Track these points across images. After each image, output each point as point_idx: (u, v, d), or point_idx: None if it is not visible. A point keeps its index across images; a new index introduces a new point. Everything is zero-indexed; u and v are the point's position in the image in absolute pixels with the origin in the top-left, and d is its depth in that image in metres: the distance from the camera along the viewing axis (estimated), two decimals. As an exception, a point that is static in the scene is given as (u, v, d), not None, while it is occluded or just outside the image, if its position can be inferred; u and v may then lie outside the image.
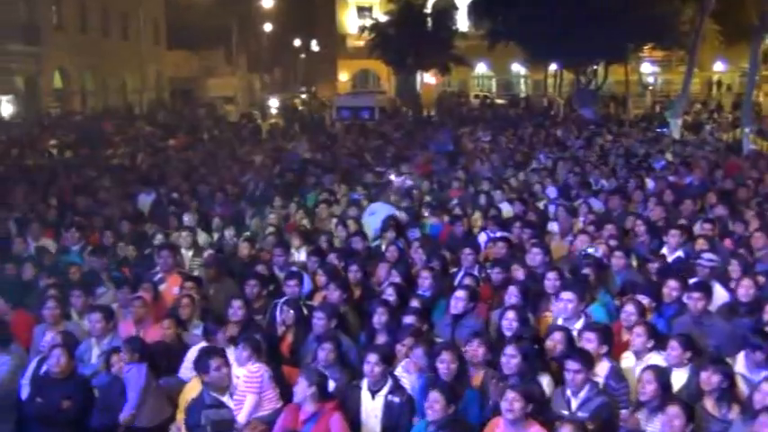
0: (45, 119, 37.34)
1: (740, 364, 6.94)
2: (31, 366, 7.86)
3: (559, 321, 7.91)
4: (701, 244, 9.99)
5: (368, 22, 50.37)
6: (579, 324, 7.74)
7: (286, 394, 7.13)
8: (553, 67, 48.67)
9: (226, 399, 7.00)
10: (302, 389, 6.58)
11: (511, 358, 6.66)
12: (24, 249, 11.68)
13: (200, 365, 7.01)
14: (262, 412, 6.93)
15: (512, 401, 5.95)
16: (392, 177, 17.32)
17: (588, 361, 6.54)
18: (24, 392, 7.69)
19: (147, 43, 52.23)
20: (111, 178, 18.27)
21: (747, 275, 8.53)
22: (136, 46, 50.34)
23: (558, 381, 6.79)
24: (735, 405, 6.18)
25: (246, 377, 7.09)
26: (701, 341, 7.35)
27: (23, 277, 10.29)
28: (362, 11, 61.84)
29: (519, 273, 9.31)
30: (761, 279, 8.83)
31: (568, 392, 6.43)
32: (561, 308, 7.96)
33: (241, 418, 6.88)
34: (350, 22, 63.58)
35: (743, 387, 6.49)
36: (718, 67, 57.45)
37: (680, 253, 10.19)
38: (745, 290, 8.26)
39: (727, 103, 44.38)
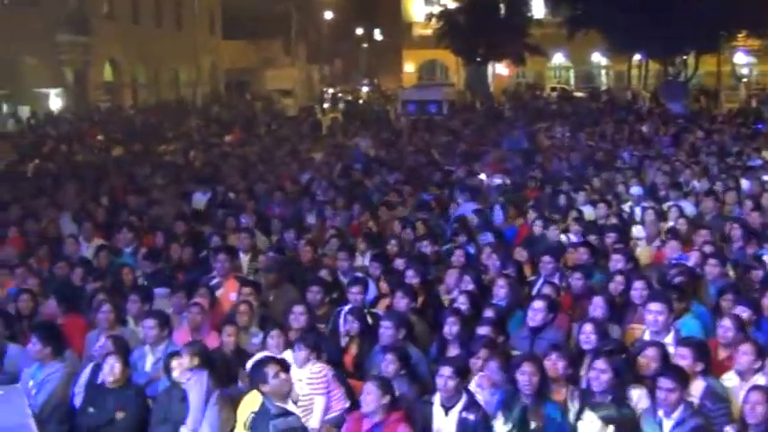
0: (95, 113, 38.13)
1: None
2: (84, 373, 7.99)
3: (646, 336, 7.79)
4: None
5: (435, 9, 50.46)
6: (669, 338, 7.63)
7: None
8: (637, 57, 48.00)
9: (290, 406, 7.04)
10: (373, 398, 6.58)
11: (601, 373, 6.58)
12: (76, 250, 11.93)
13: (257, 376, 7.07)
14: (331, 414, 6.97)
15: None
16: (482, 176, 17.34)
17: (683, 379, 6.42)
18: (77, 401, 7.82)
19: (202, 33, 53.06)
20: (164, 176, 18.53)
21: None
22: (190, 36, 51.15)
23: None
24: None
25: (310, 378, 7.19)
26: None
27: (75, 280, 10.48)
28: (430, -2, 61.91)
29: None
30: None
31: (660, 413, 6.33)
32: (650, 320, 7.84)
33: (314, 422, 6.91)
34: (416, 9, 63.70)
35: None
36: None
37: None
38: None
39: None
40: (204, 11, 53.39)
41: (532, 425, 6.24)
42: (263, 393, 7.00)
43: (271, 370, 6.96)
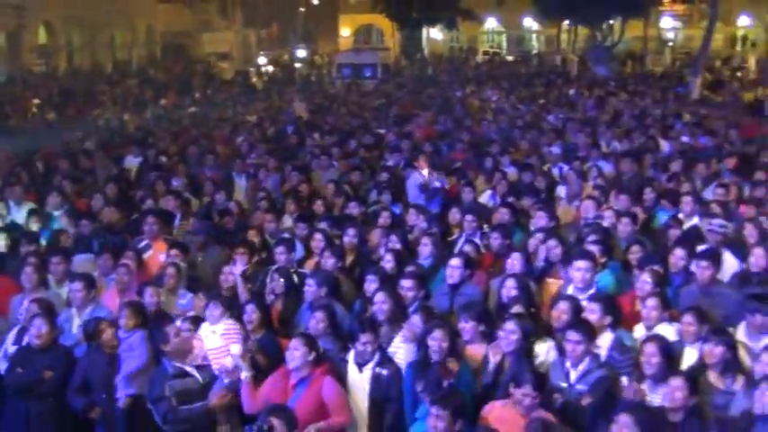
0: (28, 77, 37.22)
1: (741, 332, 6.99)
2: (10, 336, 7.88)
3: (570, 290, 7.95)
4: (712, 209, 10.02)
5: (371, -26, 50.01)
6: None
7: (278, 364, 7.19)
8: (567, 22, 48.28)
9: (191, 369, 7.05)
10: (300, 354, 6.60)
11: (510, 334, 6.72)
12: (6, 214, 11.72)
13: (159, 335, 7.07)
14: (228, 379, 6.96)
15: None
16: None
17: (590, 332, 6.58)
18: (3, 364, 7.74)
19: (138, -5, 51.98)
20: (97, 140, 18.25)
21: (761, 244, 8.55)
22: (125, -1, 50.08)
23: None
24: (739, 376, 6.23)
25: (225, 331, 7.20)
26: (708, 312, 7.40)
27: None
28: (366, -38, 61.45)
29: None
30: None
31: (568, 364, 6.49)
32: (576, 277, 7.95)
33: (230, 360, 6.92)
34: (352, -27, 63.29)
35: (746, 357, 6.55)
36: (743, 21, 56.85)
37: (696, 220, 10.16)
38: (757, 259, 8.29)
39: (751, 59, 44.10)
40: (139, -27, 52.27)
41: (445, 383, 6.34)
42: (164, 353, 7.03)
43: (172, 330, 6.99)
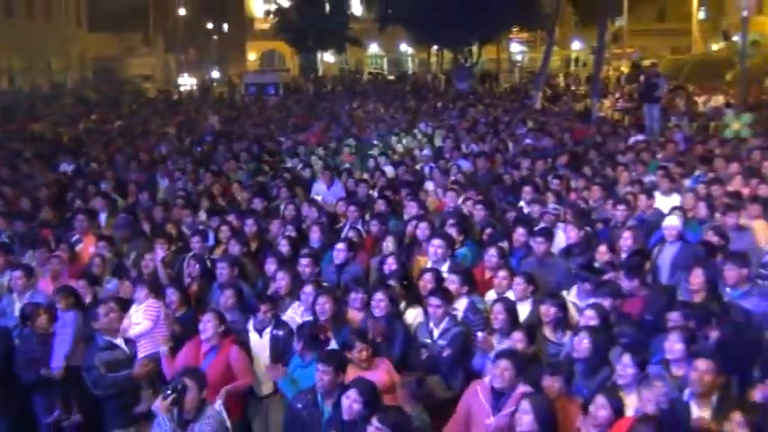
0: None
1: (572, 294, 7.26)
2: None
3: (429, 264, 8.08)
4: (548, 196, 10.34)
5: (272, 7, 49.47)
6: (445, 267, 7.91)
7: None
8: (435, 47, 48.82)
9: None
10: (211, 326, 6.55)
11: (380, 302, 6.80)
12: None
13: (91, 315, 7.01)
14: (153, 349, 6.86)
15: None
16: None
17: (449, 298, 6.72)
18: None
19: (70, 26, 49.99)
20: (35, 149, 17.55)
21: (573, 222, 8.88)
22: (59, 29, 47.91)
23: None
24: (568, 331, 6.46)
25: (146, 308, 7.07)
26: (545, 278, 7.65)
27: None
28: (267, -3, 60.90)
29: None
30: (599, 225, 9.27)
31: (431, 324, 6.61)
32: (432, 252, 8.13)
33: (133, 330, 6.84)
34: (256, 6, 62.66)
35: (575, 314, 6.80)
36: (575, 45, 58.68)
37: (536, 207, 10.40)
38: (569, 233, 8.67)
39: (582, 77, 45.45)
40: (71, 6, 50.20)
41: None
42: (95, 330, 6.91)
43: (102, 309, 6.86)
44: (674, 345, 5.57)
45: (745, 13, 21.36)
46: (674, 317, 6.11)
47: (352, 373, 5.76)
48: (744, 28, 21.43)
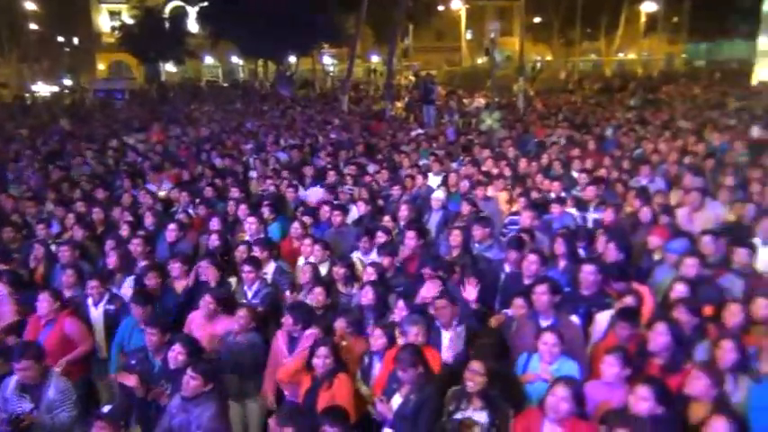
0: None
1: (357, 254, 7.41)
2: None
3: (246, 238, 7.94)
4: (347, 180, 10.48)
5: (117, 23, 46.20)
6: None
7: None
8: (261, 59, 47.78)
9: None
10: (47, 304, 6.09)
11: (206, 269, 6.61)
12: None
13: None
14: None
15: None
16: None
17: (257, 265, 6.66)
18: None
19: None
20: None
21: (360, 200, 9.07)
22: None
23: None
24: (356, 284, 6.61)
25: None
26: (342, 244, 7.77)
27: None
28: (113, 14, 56.83)
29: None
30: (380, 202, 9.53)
31: (245, 287, 6.53)
32: (247, 228, 8.00)
33: None
34: (103, 22, 58.26)
35: (360, 269, 6.95)
36: (374, 58, 59.65)
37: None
38: (358, 207, 8.87)
39: (379, 83, 46.30)
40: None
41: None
42: None
43: None
44: (430, 291, 5.87)
45: (492, 36, 22.81)
46: (427, 270, 6.41)
47: (196, 323, 5.69)
48: (492, 47, 22.76)
